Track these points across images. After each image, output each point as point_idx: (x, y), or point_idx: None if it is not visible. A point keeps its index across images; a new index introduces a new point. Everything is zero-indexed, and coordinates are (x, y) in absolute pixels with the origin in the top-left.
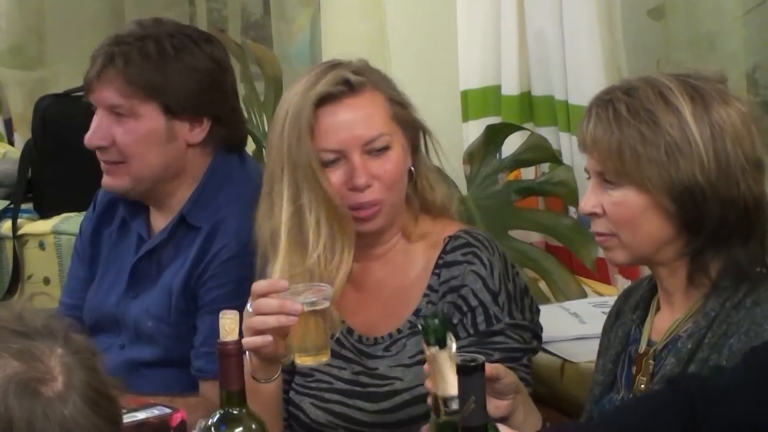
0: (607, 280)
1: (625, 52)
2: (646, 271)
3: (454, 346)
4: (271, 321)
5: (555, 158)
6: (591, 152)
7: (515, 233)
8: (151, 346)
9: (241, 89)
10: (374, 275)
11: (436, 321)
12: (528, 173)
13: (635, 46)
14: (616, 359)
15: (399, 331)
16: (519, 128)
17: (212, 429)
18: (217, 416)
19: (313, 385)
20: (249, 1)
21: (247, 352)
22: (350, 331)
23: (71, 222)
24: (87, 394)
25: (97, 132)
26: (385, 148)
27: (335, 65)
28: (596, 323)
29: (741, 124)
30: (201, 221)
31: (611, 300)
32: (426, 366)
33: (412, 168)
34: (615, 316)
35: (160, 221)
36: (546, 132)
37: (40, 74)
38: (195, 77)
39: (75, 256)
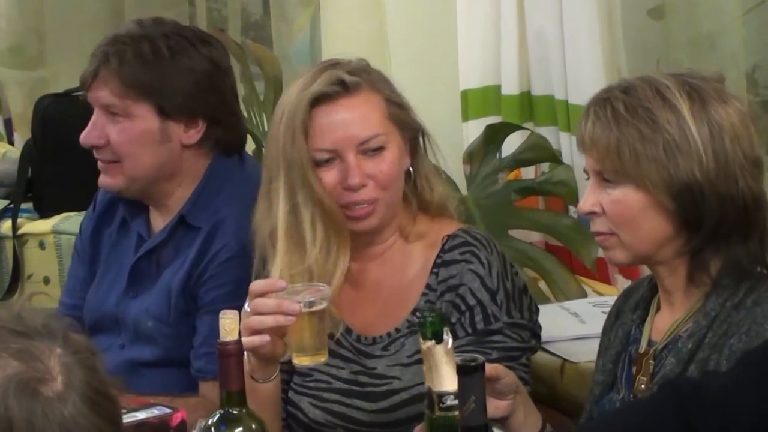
0: (607, 279)
1: (625, 51)
2: (646, 271)
3: (450, 342)
4: (269, 321)
5: (555, 158)
6: (589, 151)
7: (515, 233)
8: (151, 346)
9: (241, 89)
10: (372, 275)
11: (433, 315)
12: (528, 173)
13: (635, 45)
14: (616, 359)
15: (397, 330)
16: (519, 128)
17: (212, 429)
18: (217, 416)
19: (311, 384)
20: (249, 1)
21: (245, 352)
22: (349, 330)
23: (71, 222)
24: (86, 394)
25: (92, 131)
26: (380, 149)
27: (332, 65)
28: (596, 323)
29: (739, 122)
30: (201, 221)
31: (611, 300)
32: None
33: (411, 168)
34: (615, 316)
35: (159, 221)
36: (546, 132)
37: (39, 74)
38: (190, 79)
39: (75, 255)
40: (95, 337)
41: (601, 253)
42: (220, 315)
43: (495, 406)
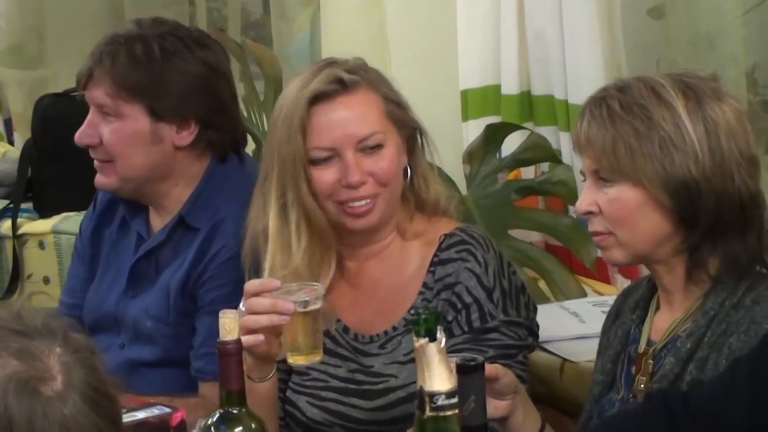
0: (606, 279)
1: (624, 51)
2: (645, 270)
3: (443, 341)
4: (264, 320)
5: (554, 158)
6: (586, 151)
7: (515, 233)
8: (151, 346)
9: (241, 89)
10: (370, 273)
11: (427, 312)
12: (528, 173)
13: (635, 45)
14: (615, 359)
15: (394, 328)
16: (519, 128)
17: (212, 428)
18: (217, 416)
19: (309, 383)
20: (249, 0)
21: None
22: (346, 329)
23: (71, 221)
24: (86, 393)
25: (86, 130)
26: (379, 146)
27: (330, 64)
28: (596, 322)
29: (735, 120)
30: (200, 222)
31: (611, 299)
32: None
33: (408, 166)
34: (614, 315)
35: (158, 221)
36: (546, 131)
37: (39, 74)
38: (182, 81)
39: (75, 255)
40: (95, 336)
41: (600, 252)
42: (220, 315)
43: (494, 406)
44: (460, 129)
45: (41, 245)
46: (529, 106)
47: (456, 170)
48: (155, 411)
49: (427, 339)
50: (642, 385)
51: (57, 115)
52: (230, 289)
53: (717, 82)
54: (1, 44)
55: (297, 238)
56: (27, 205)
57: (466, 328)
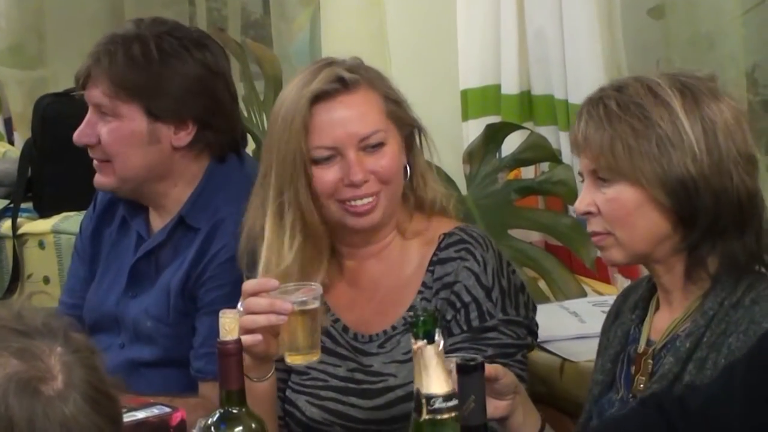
0: (606, 279)
1: (624, 51)
2: (645, 270)
3: (442, 343)
4: (261, 320)
5: (554, 157)
6: (583, 151)
7: (515, 232)
8: (151, 346)
9: (241, 88)
10: (369, 272)
11: (426, 314)
12: (528, 172)
13: (635, 45)
14: (615, 359)
15: (393, 328)
16: (519, 127)
17: (212, 428)
18: (217, 415)
19: (308, 382)
20: (249, 0)
21: None
22: (345, 328)
23: (71, 221)
24: (87, 393)
25: (84, 129)
26: (380, 145)
27: (329, 63)
28: (596, 322)
29: (733, 119)
30: (200, 222)
31: (611, 299)
32: None
33: (407, 165)
34: (614, 315)
35: (158, 221)
36: (546, 131)
37: (39, 73)
38: (180, 82)
39: (75, 255)
40: (95, 336)
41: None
42: (220, 314)
43: (494, 407)
44: (460, 129)
45: (41, 245)
46: (529, 105)
47: (456, 170)
48: (155, 411)
49: (425, 341)
50: (641, 385)
51: (57, 115)
52: (230, 289)
53: (714, 81)
54: (1, 44)
55: (291, 239)
56: (27, 205)
57: (465, 327)
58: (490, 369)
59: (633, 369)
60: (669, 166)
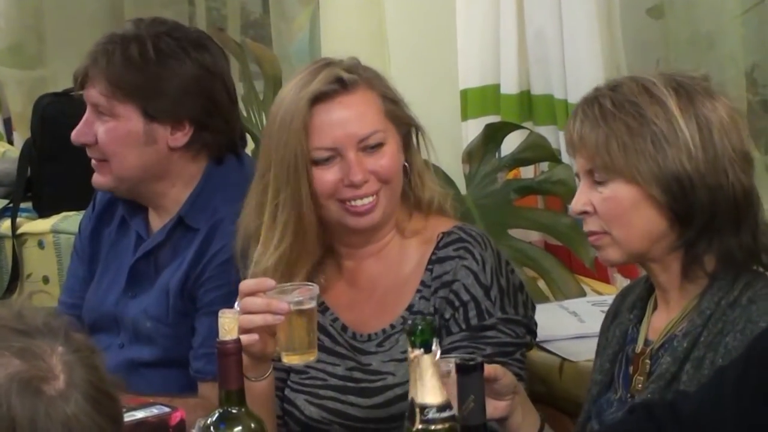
0: (606, 279)
1: (624, 50)
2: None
3: (438, 353)
4: (258, 320)
5: (554, 157)
6: (579, 150)
7: (514, 232)
8: (150, 346)
9: (240, 88)
10: (368, 272)
11: (425, 323)
12: (527, 172)
13: (634, 44)
14: (613, 359)
15: (392, 326)
16: (518, 127)
17: (211, 428)
18: (216, 415)
19: (307, 382)
20: (248, 0)
21: None
22: (344, 327)
23: (70, 221)
24: (88, 392)
25: (81, 129)
26: (380, 145)
27: (327, 64)
28: (595, 322)
29: (728, 116)
30: (199, 223)
31: (610, 299)
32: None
33: (406, 164)
34: (612, 315)
35: (157, 222)
36: (545, 131)
37: (39, 73)
38: (177, 82)
39: (74, 255)
40: (94, 336)
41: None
42: (219, 314)
43: (494, 407)
44: (460, 128)
45: (41, 245)
46: (529, 105)
47: (455, 170)
48: (154, 411)
49: (422, 350)
50: (639, 385)
51: (56, 115)
52: (229, 289)
53: (708, 81)
54: (0, 44)
55: (279, 240)
56: (26, 205)
57: (463, 326)
58: (490, 369)
59: (631, 369)
60: (664, 164)
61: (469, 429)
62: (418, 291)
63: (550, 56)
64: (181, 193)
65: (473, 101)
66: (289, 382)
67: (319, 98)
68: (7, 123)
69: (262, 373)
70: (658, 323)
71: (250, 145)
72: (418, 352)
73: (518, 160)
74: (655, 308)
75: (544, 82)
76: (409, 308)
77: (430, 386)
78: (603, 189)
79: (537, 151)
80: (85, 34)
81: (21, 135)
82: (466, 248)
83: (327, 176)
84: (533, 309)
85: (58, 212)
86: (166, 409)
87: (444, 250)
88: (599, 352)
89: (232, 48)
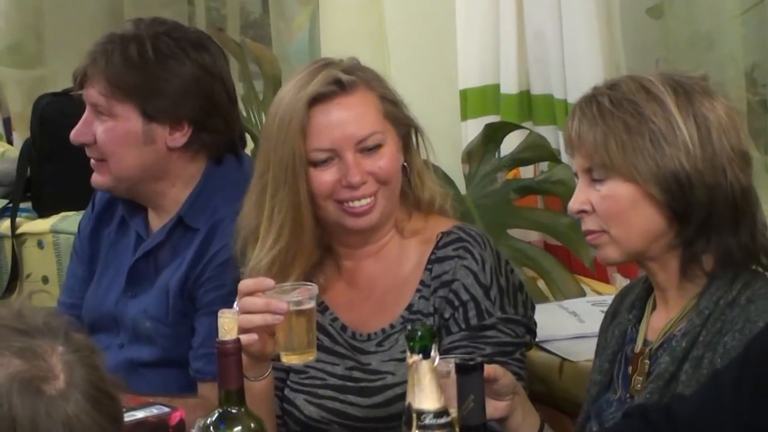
0: (605, 279)
1: (623, 50)
2: None
3: (437, 360)
4: (257, 319)
5: (554, 157)
6: (578, 149)
7: (514, 232)
8: (150, 346)
9: (240, 88)
10: (367, 271)
11: (424, 329)
12: (527, 172)
13: (634, 44)
14: (612, 359)
15: (392, 326)
16: (518, 127)
17: (211, 428)
18: (216, 415)
19: (307, 381)
20: None
21: None
22: (343, 327)
23: (70, 221)
24: (89, 392)
25: (80, 128)
26: (378, 146)
27: (326, 64)
28: (595, 322)
29: (726, 116)
30: (199, 223)
31: (610, 299)
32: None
33: (405, 164)
34: (612, 316)
35: (157, 222)
36: (545, 131)
37: (38, 73)
38: (175, 83)
39: (74, 255)
40: (94, 336)
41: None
42: (219, 314)
43: (493, 407)
44: (459, 128)
45: (40, 245)
46: (528, 105)
47: (455, 170)
48: (154, 410)
49: (421, 356)
50: (639, 385)
51: (56, 115)
52: (229, 289)
53: (707, 81)
54: (0, 43)
55: (275, 239)
56: (26, 205)
57: (463, 326)
58: (489, 369)
59: (630, 369)
60: (663, 162)
61: (469, 429)
62: (418, 291)
63: (550, 56)
64: (181, 193)
65: (473, 101)
66: (288, 382)
67: (317, 99)
68: (7, 123)
69: (262, 372)
70: (657, 323)
71: (250, 145)
72: (416, 357)
73: (518, 160)
74: (654, 308)
75: (544, 82)
76: (409, 308)
77: (427, 392)
78: (601, 187)
79: (537, 151)
80: (84, 34)
81: (20, 135)
82: (465, 248)
83: (325, 177)
84: (533, 309)
85: (57, 212)
86: (166, 409)
87: (443, 249)
88: (598, 353)
89: (231, 48)
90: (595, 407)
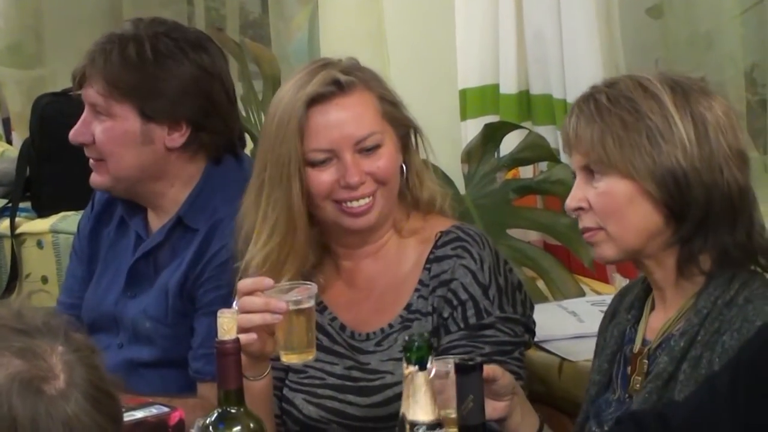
0: (605, 278)
1: (623, 50)
2: None
3: (433, 372)
4: (257, 319)
5: (553, 157)
6: (575, 146)
7: (513, 232)
8: (149, 346)
9: (239, 88)
10: (366, 271)
11: (422, 341)
12: (526, 172)
13: (634, 44)
14: (611, 359)
15: (390, 326)
16: (517, 127)
17: (210, 428)
18: (215, 415)
19: (306, 381)
20: None
21: None
22: (342, 327)
23: (69, 221)
24: (89, 392)
25: (79, 128)
26: (377, 147)
27: (325, 65)
28: (594, 322)
29: (723, 115)
30: (198, 223)
31: (609, 299)
32: None
33: (403, 164)
34: (611, 315)
35: (156, 222)
36: (544, 131)
37: (38, 73)
38: (174, 83)
39: (73, 255)
40: (93, 336)
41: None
42: (218, 314)
43: (493, 407)
44: (459, 128)
45: (39, 245)
46: (528, 105)
47: (454, 169)
48: (153, 410)
49: (417, 367)
50: (637, 385)
51: (55, 115)
52: (228, 290)
53: (705, 82)
54: None
55: (267, 238)
56: (25, 205)
57: (462, 325)
58: (489, 370)
59: (629, 369)
60: (659, 159)
61: (468, 429)
62: (417, 290)
63: (549, 56)
64: (180, 194)
65: (472, 101)
66: (287, 382)
67: (315, 100)
68: (6, 123)
69: (261, 372)
70: (655, 323)
71: (249, 145)
72: (412, 368)
73: (517, 159)
74: (652, 308)
75: (543, 81)
76: (407, 307)
77: (422, 404)
78: (598, 184)
79: (536, 150)
80: (83, 34)
81: (20, 135)
82: (464, 247)
83: (323, 177)
84: (531, 308)
85: (56, 212)
86: (166, 409)
87: (442, 249)
88: (597, 353)
89: (230, 48)
90: (594, 407)
